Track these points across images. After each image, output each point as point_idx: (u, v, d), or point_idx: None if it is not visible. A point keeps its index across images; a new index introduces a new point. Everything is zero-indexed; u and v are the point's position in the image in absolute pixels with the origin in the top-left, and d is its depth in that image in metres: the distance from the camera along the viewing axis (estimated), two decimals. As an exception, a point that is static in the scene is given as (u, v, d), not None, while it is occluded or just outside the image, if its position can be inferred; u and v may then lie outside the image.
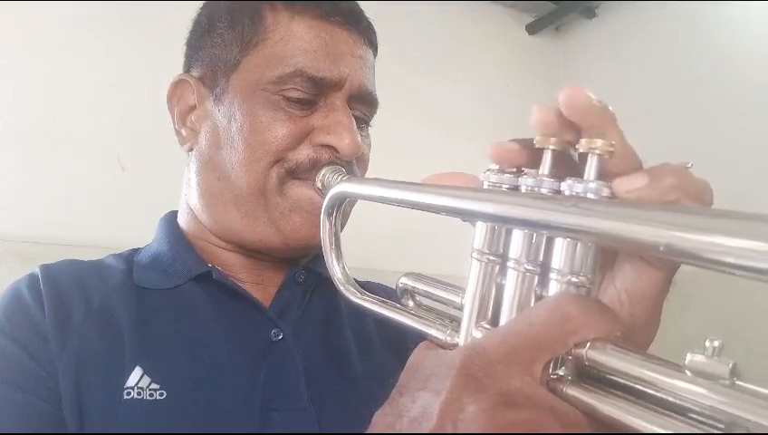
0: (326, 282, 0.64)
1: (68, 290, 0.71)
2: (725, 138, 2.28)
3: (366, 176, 0.82)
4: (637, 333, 0.43)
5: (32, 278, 0.72)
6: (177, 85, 0.81)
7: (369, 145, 0.83)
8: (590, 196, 0.39)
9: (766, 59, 2.24)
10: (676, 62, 2.52)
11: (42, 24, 1.89)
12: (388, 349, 0.81)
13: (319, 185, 0.73)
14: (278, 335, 0.73)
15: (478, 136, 2.49)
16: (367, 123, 0.82)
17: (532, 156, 0.44)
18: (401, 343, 0.79)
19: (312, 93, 0.74)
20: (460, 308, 0.48)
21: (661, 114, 2.50)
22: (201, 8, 0.83)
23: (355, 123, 0.76)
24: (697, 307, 2.01)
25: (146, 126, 1.52)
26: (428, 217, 0.49)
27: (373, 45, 0.82)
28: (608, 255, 0.43)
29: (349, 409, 0.70)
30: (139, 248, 0.84)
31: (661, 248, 0.32)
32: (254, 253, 0.79)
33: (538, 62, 2.96)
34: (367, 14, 0.81)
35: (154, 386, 0.65)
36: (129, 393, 0.64)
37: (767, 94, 2.20)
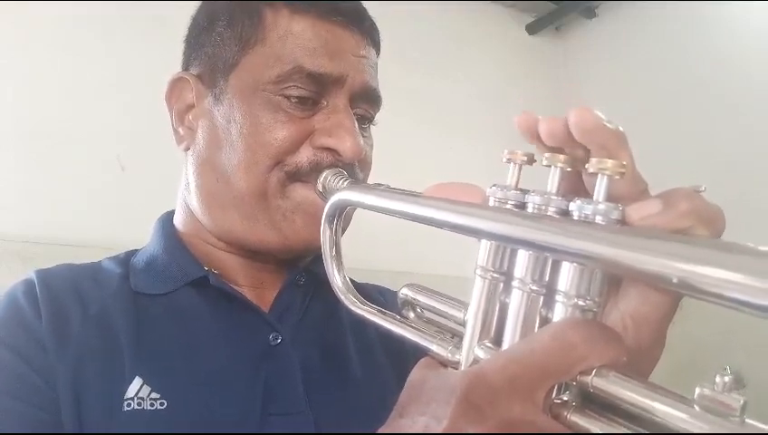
0: (327, 284, 0.63)
1: (64, 296, 0.70)
2: (725, 138, 2.28)
3: (368, 176, 0.81)
4: (641, 357, 0.42)
5: (27, 284, 0.71)
6: (176, 83, 0.80)
7: (372, 145, 0.81)
8: (599, 218, 0.38)
9: (766, 59, 2.24)
10: (676, 62, 2.52)
11: (42, 24, 1.89)
12: (389, 353, 0.81)
13: (320, 188, 0.72)
14: (277, 339, 0.72)
15: (478, 136, 2.49)
16: (370, 121, 0.81)
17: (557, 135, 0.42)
18: (401, 348, 0.78)
19: (313, 91, 0.72)
20: (462, 323, 0.47)
21: (661, 114, 2.50)
22: (201, 5, 0.82)
23: (357, 124, 0.75)
24: (698, 310, 2.01)
25: (146, 126, 1.51)
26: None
27: (376, 45, 0.81)
28: (612, 277, 0.42)
29: (347, 413, 0.70)
30: (135, 250, 0.83)
31: (674, 281, 0.31)
32: (253, 255, 0.78)
33: (538, 62, 2.96)
34: (370, 13, 0.80)
35: (154, 396, 0.64)
36: (129, 405, 0.63)
37: (767, 94, 2.20)
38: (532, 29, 2.99)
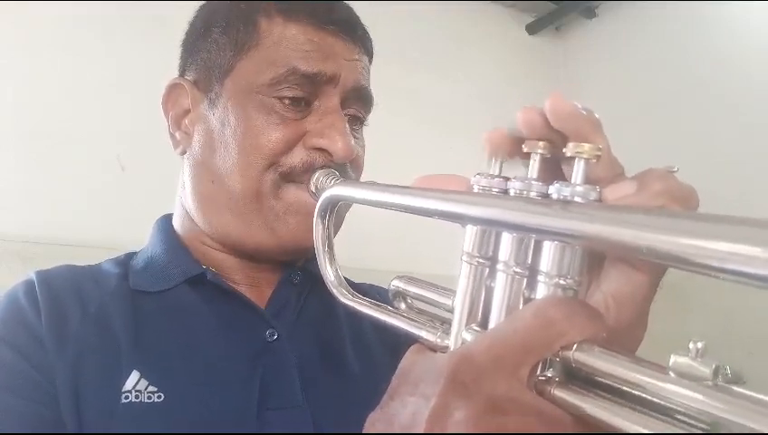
0: (323, 282, 0.64)
1: (64, 295, 0.71)
2: (725, 138, 2.28)
3: (363, 176, 0.81)
4: (624, 337, 0.43)
5: (28, 284, 0.72)
6: (172, 89, 0.82)
7: (364, 146, 0.82)
8: (577, 199, 0.39)
9: (766, 59, 2.24)
10: (676, 62, 2.52)
11: (42, 24, 1.90)
12: (385, 348, 0.81)
13: (313, 188, 0.73)
14: (273, 335, 0.73)
15: (478, 136, 2.47)
16: (362, 122, 0.82)
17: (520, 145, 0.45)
18: (397, 342, 0.78)
19: (307, 92, 0.74)
20: (451, 310, 0.48)
21: (661, 114, 2.50)
22: (197, 12, 0.83)
23: (348, 126, 0.76)
24: (699, 308, 2.02)
25: (146, 126, 1.51)
26: (423, 218, 0.50)
27: (369, 53, 0.82)
28: (594, 260, 0.43)
29: (344, 408, 0.70)
30: (134, 252, 0.84)
31: (643, 251, 0.32)
32: (249, 255, 0.79)
33: (538, 62, 2.97)
34: (362, 21, 0.81)
35: (152, 389, 0.65)
36: (126, 397, 0.64)
37: (767, 94, 2.20)
38: (532, 29, 3.00)
